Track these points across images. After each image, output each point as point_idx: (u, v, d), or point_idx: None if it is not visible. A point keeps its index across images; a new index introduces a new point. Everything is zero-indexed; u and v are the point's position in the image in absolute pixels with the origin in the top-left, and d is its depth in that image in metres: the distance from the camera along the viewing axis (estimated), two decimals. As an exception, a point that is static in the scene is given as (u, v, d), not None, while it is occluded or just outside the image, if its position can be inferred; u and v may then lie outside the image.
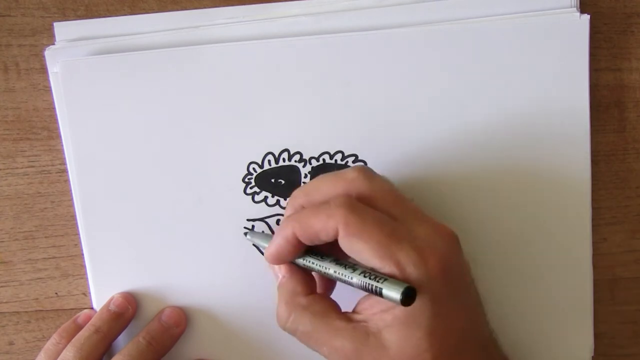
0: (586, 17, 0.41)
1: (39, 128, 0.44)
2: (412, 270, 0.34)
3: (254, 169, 0.42)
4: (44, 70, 0.43)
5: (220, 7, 0.42)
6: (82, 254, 0.44)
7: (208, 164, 0.42)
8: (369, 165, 0.42)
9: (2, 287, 0.45)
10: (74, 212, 0.44)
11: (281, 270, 0.38)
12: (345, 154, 0.42)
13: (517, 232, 0.42)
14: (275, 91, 0.42)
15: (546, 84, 0.41)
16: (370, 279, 0.34)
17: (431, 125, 0.42)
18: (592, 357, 0.43)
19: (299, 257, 0.37)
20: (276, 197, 0.43)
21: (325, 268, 0.36)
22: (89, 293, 0.44)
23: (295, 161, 0.42)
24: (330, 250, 0.37)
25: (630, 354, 0.45)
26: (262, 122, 0.42)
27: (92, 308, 0.44)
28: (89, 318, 0.43)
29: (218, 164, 0.42)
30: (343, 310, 0.37)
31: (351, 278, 0.35)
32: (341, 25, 0.42)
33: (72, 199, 0.44)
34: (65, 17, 0.43)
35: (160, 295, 0.43)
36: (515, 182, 0.42)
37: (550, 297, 0.43)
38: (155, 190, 0.43)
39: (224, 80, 0.42)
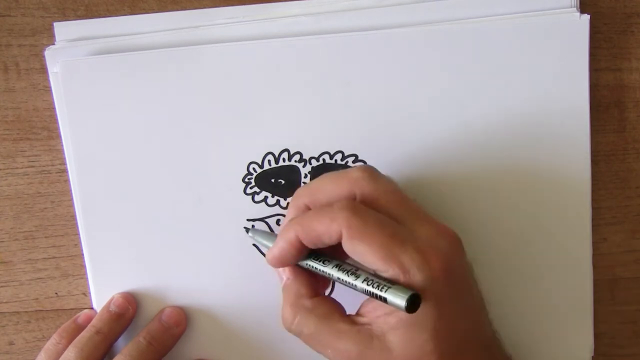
0: (586, 17, 0.41)
1: (39, 128, 0.44)
2: (415, 273, 0.34)
3: (254, 169, 0.42)
4: (44, 70, 0.43)
5: (220, 7, 0.42)
6: (82, 254, 0.44)
7: (208, 164, 0.42)
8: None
9: (2, 287, 0.45)
10: (74, 212, 0.44)
11: (285, 272, 0.38)
12: (345, 154, 0.42)
13: (517, 232, 0.42)
14: (275, 91, 0.42)
15: (546, 84, 0.41)
16: (373, 287, 0.34)
17: (431, 125, 0.42)
18: (592, 357, 0.43)
19: (302, 259, 0.37)
20: (276, 197, 0.43)
21: (328, 274, 0.36)
22: (89, 293, 0.44)
23: (295, 161, 0.42)
24: (333, 252, 0.37)
25: (630, 354, 0.45)
26: (262, 122, 0.42)
27: (92, 308, 0.44)
28: (89, 318, 0.43)
29: (218, 164, 0.42)
30: (347, 311, 0.37)
31: (355, 286, 0.35)
32: (341, 25, 0.42)
33: (72, 199, 0.44)
34: (65, 17, 0.43)
35: (160, 295, 0.43)
36: (515, 182, 0.42)
37: (550, 297, 0.43)
38: (155, 190, 0.43)
39: (224, 80, 0.42)
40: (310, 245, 0.36)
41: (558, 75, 0.41)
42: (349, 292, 0.36)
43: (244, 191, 0.43)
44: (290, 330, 0.37)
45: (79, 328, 0.43)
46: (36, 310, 0.45)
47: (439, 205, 0.41)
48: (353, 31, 0.42)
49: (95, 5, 0.43)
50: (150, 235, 0.43)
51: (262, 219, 0.43)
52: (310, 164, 0.42)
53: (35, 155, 0.44)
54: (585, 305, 0.43)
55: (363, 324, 0.35)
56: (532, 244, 0.42)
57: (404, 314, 0.34)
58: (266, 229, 0.43)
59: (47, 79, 0.43)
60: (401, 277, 0.34)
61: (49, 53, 0.42)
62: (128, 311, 0.43)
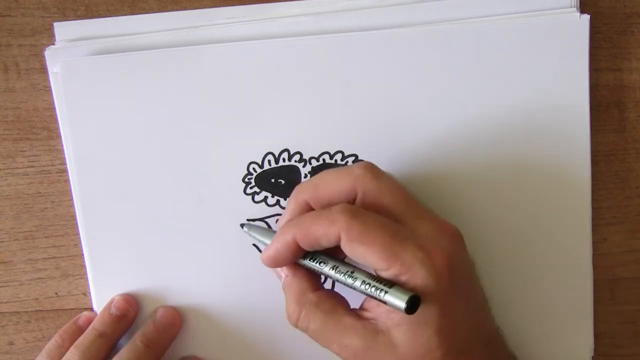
0: (586, 17, 0.41)
1: (39, 128, 0.44)
2: (418, 270, 0.34)
3: (254, 169, 0.42)
4: (44, 70, 0.43)
5: (220, 7, 0.42)
6: (82, 254, 0.44)
7: (208, 164, 0.42)
8: (369, 165, 0.42)
9: (2, 287, 0.45)
10: (74, 212, 0.44)
11: (284, 269, 0.38)
12: (345, 154, 0.42)
13: (517, 232, 0.42)
14: (275, 91, 0.42)
15: (546, 84, 0.41)
16: (371, 290, 0.34)
17: (431, 125, 0.42)
18: (592, 357, 0.43)
19: (299, 259, 0.37)
20: (276, 197, 0.43)
21: (326, 275, 0.36)
22: (89, 293, 0.44)
23: (295, 161, 0.42)
24: (330, 251, 0.37)
25: (630, 354, 0.45)
26: (262, 122, 0.42)
27: (92, 309, 0.44)
28: (89, 320, 0.43)
29: (218, 164, 0.42)
30: (350, 304, 0.37)
31: (353, 287, 0.35)
32: (341, 25, 0.42)
33: (72, 199, 0.44)
34: (65, 17, 0.43)
35: (160, 295, 0.43)
36: (515, 182, 0.42)
37: (550, 297, 0.43)
38: (155, 190, 0.43)
39: (224, 80, 0.42)
40: (308, 248, 0.36)
41: (558, 75, 0.41)
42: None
43: (244, 191, 0.43)
44: (296, 327, 0.37)
45: (80, 330, 0.42)
46: (36, 310, 0.45)
47: (439, 206, 0.41)
48: (353, 31, 0.42)
49: (95, 5, 0.43)
50: (150, 235, 0.43)
51: (262, 219, 0.43)
52: (310, 164, 0.42)
53: (35, 155, 0.44)
54: (585, 305, 0.43)
55: (368, 319, 0.35)
56: (532, 244, 0.42)
57: None
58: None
59: (47, 79, 0.43)
60: (403, 275, 0.34)
61: (49, 53, 0.42)
62: (129, 313, 0.43)
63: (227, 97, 0.42)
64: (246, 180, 0.43)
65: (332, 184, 0.37)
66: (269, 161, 0.42)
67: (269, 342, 0.43)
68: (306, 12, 0.42)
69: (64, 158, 0.43)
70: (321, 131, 0.42)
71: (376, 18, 0.42)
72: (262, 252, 0.38)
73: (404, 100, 0.42)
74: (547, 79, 0.41)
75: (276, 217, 0.43)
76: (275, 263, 0.37)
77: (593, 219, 0.43)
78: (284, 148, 0.42)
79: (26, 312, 0.45)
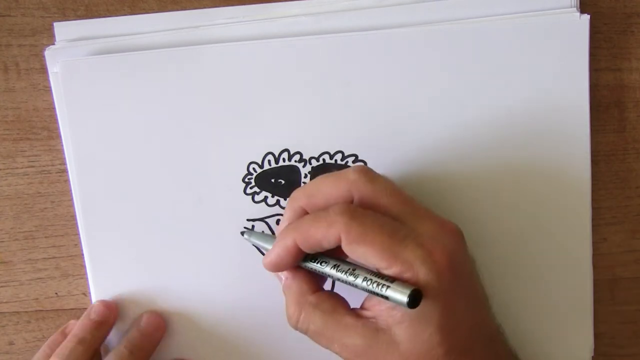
0: (586, 17, 0.41)
1: (39, 128, 0.44)
2: (419, 267, 0.34)
3: (254, 169, 0.42)
4: (44, 70, 0.43)
5: (220, 7, 0.42)
6: (82, 254, 0.43)
7: (208, 164, 0.42)
8: (369, 165, 0.42)
9: (2, 287, 0.45)
10: (74, 212, 0.44)
11: (283, 272, 0.38)
12: (345, 154, 0.42)
13: (517, 232, 0.42)
14: (275, 91, 0.42)
15: (546, 84, 0.41)
16: (373, 286, 0.34)
17: (431, 125, 0.42)
18: (592, 357, 0.43)
19: (300, 262, 0.37)
20: (276, 197, 0.43)
21: (328, 275, 0.36)
22: (89, 293, 0.44)
23: (295, 161, 0.42)
24: (330, 251, 0.37)
25: (630, 354, 0.45)
26: (262, 122, 0.42)
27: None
28: None
29: (218, 164, 0.42)
30: (350, 305, 0.37)
31: (355, 285, 0.35)
32: (341, 25, 0.42)
33: (72, 199, 0.44)
34: (65, 17, 0.43)
35: (160, 295, 0.43)
36: (515, 182, 0.42)
37: (550, 297, 0.43)
38: (155, 190, 0.43)
39: (224, 80, 0.42)
40: (309, 251, 0.36)
41: (558, 75, 0.41)
42: (350, 287, 0.36)
43: (244, 191, 0.43)
44: (296, 328, 0.37)
45: None
46: (36, 310, 0.45)
47: (439, 205, 0.41)
48: (353, 31, 0.42)
49: (95, 5, 0.43)
50: (150, 235, 0.43)
51: (262, 219, 0.43)
52: (310, 164, 0.42)
53: (35, 155, 0.44)
54: (585, 305, 0.43)
55: (368, 318, 0.35)
56: (532, 244, 0.42)
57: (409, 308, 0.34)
58: (266, 229, 0.43)
59: (47, 79, 0.43)
60: (404, 274, 0.34)
61: (49, 53, 0.42)
62: (109, 318, 0.42)
63: (227, 97, 0.42)
64: (246, 180, 0.43)
65: (327, 191, 0.37)
66: (269, 161, 0.42)
67: (269, 342, 0.43)
68: (306, 12, 0.42)
69: (64, 158, 0.43)
70: (321, 131, 0.42)
71: (376, 18, 0.42)
72: (264, 257, 0.38)
73: (404, 100, 0.42)
74: (547, 79, 0.41)
75: (276, 217, 0.43)
76: (277, 267, 0.37)
77: (593, 219, 0.43)
78: (284, 148, 0.42)
79: (26, 312, 0.45)
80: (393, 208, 0.36)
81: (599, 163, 0.44)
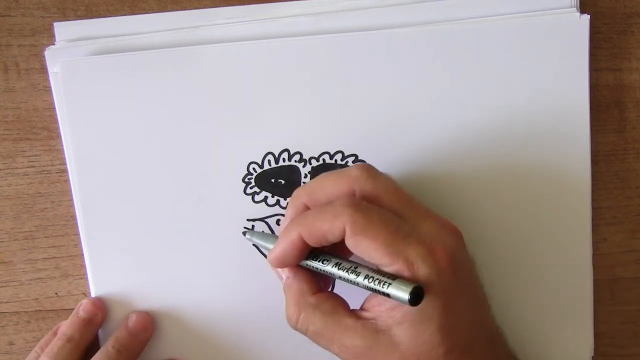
0: (586, 17, 0.41)
1: (39, 128, 0.44)
2: (420, 265, 0.34)
3: (254, 169, 0.42)
4: (44, 70, 0.43)
5: (220, 7, 0.42)
6: (82, 254, 0.43)
7: (208, 164, 0.42)
8: (369, 165, 0.42)
9: (2, 287, 0.45)
10: (74, 212, 0.44)
11: (285, 271, 0.38)
12: (345, 154, 0.42)
13: (517, 232, 0.42)
14: (275, 91, 0.42)
15: (546, 84, 0.41)
16: (375, 283, 0.34)
17: (431, 125, 0.42)
18: (592, 357, 0.43)
19: (302, 261, 0.37)
20: (276, 197, 0.43)
21: (329, 273, 0.36)
22: (89, 293, 0.44)
23: (295, 161, 0.42)
24: (333, 249, 0.37)
25: (630, 354, 0.45)
26: (262, 122, 0.42)
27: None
28: None
29: (218, 164, 0.42)
30: (350, 306, 0.37)
31: (356, 283, 0.35)
32: (341, 25, 0.42)
33: (72, 199, 0.44)
34: (65, 17, 0.43)
35: (160, 294, 0.43)
36: (515, 182, 0.42)
37: (550, 297, 0.43)
38: (155, 190, 0.43)
39: (224, 80, 0.42)
40: (314, 244, 0.36)
41: (558, 75, 0.41)
42: (350, 288, 0.36)
43: (244, 191, 0.43)
44: (295, 329, 0.37)
45: None
46: (36, 310, 0.45)
47: (440, 205, 0.41)
48: (353, 31, 0.42)
49: (95, 5, 0.43)
50: (150, 235, 0.43)
51: (262, 219, 0.43)
52: (310, 164, 0.42)
53: (35, 155, 0.44)
54: (585, 305, 0.43)
55: (368, 319, 0.35)
56: (532, 244, 0.42)
57: (409, 308, 0.34)
58: (266, 229, 0.43)
59: (47, 79, 0.43)
60: (406, 271, 0.34)
61: (49, 53, 0.42)
62: (97, 316, 0.42)
63: (227, 97, 0.42)
64: (246, 180, 0.43)
65: (329, 187, 0.37)
66: (269, 161, 0.42)
67: (269, 342, 0.43)
68: (306, 12, 0.42)
69: (64, 158, 0.43)
70: (321, 131, 0.42)
71: (376, 18, 0.42)
72: (269, 253, 0.38)
73: (404, 100, 0.42)
74: (547, 79, 0.41)
75: (276, 217, 0.43)
76: (282, 263, 0.37)
77: (593, 219, 0.43)
78: (284, 148, 0.42)
79: (26, 312, 0.45)
80: (394, 206, 0.36)
81: (599, 163, 0.44)
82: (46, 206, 0.44)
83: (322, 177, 0.38)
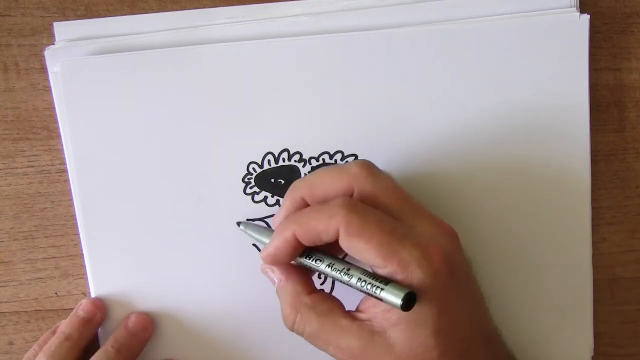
0: (586, 17, 0.41)
1: (39, 128, 0.44)
2: (415, 268, 0.34)
3: (254, 169, 0.42)
4: (44, 70, 0.43)
5: (220, 7, 0.42)
6: (82, 254, 0.43)
7: (208, 164, 0.42)
8: (369, 165, 0.42)
9: (2, 287, 0.45)
10: (74, 212, 0.43)
11: (276, 274, 0.38)
12: (345, 154, 0.42)
13: (517, 232, 0.42)
14: (275, 91, 0.42)
15: (546, 84, 0.41)
16: (367, 287, 0.34)
17: (431, 125, 0.42)
18: (592, 357, 0.43)
19: (296, 258, 0.37)
20: (276, 197, 0.43)
21: (322, 273, 0.36)
22: (89, 293, 0.44)
23: (295, 161, 0.42)
24: (326, 249, 0.37)
25: (630, 354, 0.45)
26: (262, 122, 0.42)
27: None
28: None
29: (218, 164, 0.42)
30: (347, 308, 0.37)
31: (350, 285, 0.35)
32: (341, 25, 0.42)
33: (72, 199, 0.44)
34: (65, 17, 0.43)
35: (160, 294, 0.43)
36: (515, 182, 0.42)
37: (550, 297, 0.43)
38: (155, 190, 0.43)
39: (224, 80, 0.42)
40: (308, 244, 0.36)
41: (558, 75, 0.41)
42: (348, 288, 0.36)
43: (244, 191, 0.43)
44: (292, 330, 0.37)
45: None
46: (36, 310, 0.45)
47: (440, 206, 0.41)
48: (353, 31, 0.42)
49: (95, 5, 0.43)
50: (150, 235, 0.43)
51: (262, 219, 0.43)
52: (310, 164, 0.42)
53: (35, 155, 0.44)
54: (585, 305, 0.43)
55: (364, 320, 0.35)
56: (532, 244, 0.42)
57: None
58: (266, 229, 0.43)
59: (47, 79, 0.43)
60: (400, 273, 0.34)
61: (49, 53, 0.42)
62: (96, 316, 0.42)
63: (227, 97, 0.42)
64: (246, 180, 0.43)
65: (328, 183, 0.37)
66: (269, 161, 0.42)
67: (268, 342, 0.43)
68: (306, 12, 0.42)
69: (64, 158, 0.43)
70: (321, 131, 0.42)
71: (376, 18, 0.42)
72: (262, 250, 0.38)
73: (404, 100, 0.42)
74: (547, 79, 0.41)
75: (276, 217, 0.43)
76: (275, 261, 0.37)
77: (593, 219, 0.43)
78: (284, 148, 0.42)
79: (26, 312, 0.45)
80: (392, 205, 0.36)
81: (599, 163, 0.44)
82: (46, 206, 0.44)
83: (322, 172, 0.37)
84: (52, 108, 0.43)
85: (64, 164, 0.43)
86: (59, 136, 0.43)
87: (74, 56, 0.42)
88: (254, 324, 0.43)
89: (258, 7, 0.42)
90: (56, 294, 0.45)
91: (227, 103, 0.42)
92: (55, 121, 0.43)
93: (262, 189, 0.43)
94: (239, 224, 0.42)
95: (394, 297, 0.33)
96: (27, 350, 0.45)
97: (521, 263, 0.43)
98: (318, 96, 0.42)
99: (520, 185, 0.42)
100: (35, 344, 0.42)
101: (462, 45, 0.41)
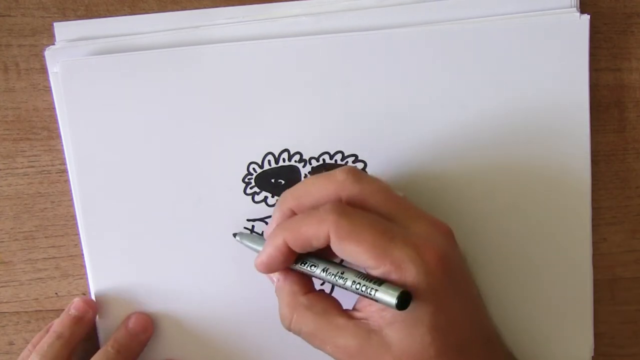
0: (586, 17, 0.41)
1: (39, 128, 0.44)
2: (408, 267, 0.34)
3: (254, 169, 0.42)
4: (44, 70, 0.43)
5: (220, 7, 0.42)
6: (82, 254, 0.44)
7: (208, 164, 0.42)
8: (369, 165, 0.42)
9: (2, 287, 0.45)
10: (74, 212, 0.44)
11: (275, 274, 0.38)
12: (345, 154, 0.42)
13: (517, 232, 0.42)
14: (275, 91, 0.42)
15: (546, 84, 0.41)
16: (361, 289, 0.34)
17: (431, 125, 0.42)
18: (592, 357, 0.43)
19: (290, 265, 0.37)
20: (276, 198, 0.43)
21: (318, 277, 0.36)
22: (89, 293, 0.44)
23: (295, 161, 0.42)
24: (321, 253, 0.37)
25: (630, 354, 0.45)
26: (262, 122, 0.42)
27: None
28: None
29: (218, 164, 0.42)
30: (345, 306, 0.37)
31: (345, 288, 0.35)
32: (341, 25, 0.42)
33: (72, 199, 0.44)
34: (65, 17, 0.43)
35: (160, 295, 0.43)
36: (515, 182, 0.42)
37: (550, 297, 0.43)
38: (155, 190, 0.43)
39: (224, 80, 0.42)
40: (299, 250, 0.36)
41: (558, 75, 0.41)
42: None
43: (244, 191, 0.43)
44: (289, 329, 0.37)
45: None
46: (36, 310, 0.45)
47: (439, 205, 0.42)
48: (353, 31, 0.42)
49: (95, 5, 0.43)
50: (150, 235, 0.43)
51: (262, 219, 0.43)
52: (310, 164, 0.42)
53: (35, 155, 0.44)
54: (585, 305, 0.43)
55: (360, 319, 0.35)
56: (532, 244, 0.42)
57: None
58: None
59: (47, 79, 0.43)
60: (394, 273, 0.34)
61: (49, 53, 0.42)
62: (88, 314, 0.42)
63: (227, 97, 0.42)
64: (246, 180, 0.43)
65: (315, 192, 0.37)
66: (269, 161, 0.42)
67: (268, 342, 0.43)
68: (306, 12, 0.42)
69: (64, 158, 0.43)
70: (321, 131, 0.42)
71: (376, 18, 0.42)
72: (255, 258, 0.38)
73: (404, 100, 0.42)
74: (547, 79, 0.41)
75: (276, 217, 0.43)
76: (268, 268, 0.37)
77: (593, 219, 0.43)
78: (284, 148, 0.42)
79: (26, 312, 0.45)
80: (382, 207, 0.36)
81: (599, 163, 0.44)
82: (46, 206, 0.44)
83: (309, 182, 0.37)
84: (52, 108, 0.43)
85: (64, 164, 0.43)
86: (59, 136, 0.43)
87: (74, 56, 0.42)
88: (254, 324, 0.43)
89: (258, 7, 0.42)
90: (56, 294, 0.45)
91: (227, 103, 0.42)
92: (55, 121, 0.43)
93: (262, 189, 0.43)
94: (234, 234, 0.42)
95: (389, 297, 0.33)
96: (27, 351, 0.45)
97: (521, 263, 0.43)
98: (318, 96, 0.42)
99: (520, 185, 0.42)
100: (29, 344, 0.43)
101: (462, 45, 0.41)
